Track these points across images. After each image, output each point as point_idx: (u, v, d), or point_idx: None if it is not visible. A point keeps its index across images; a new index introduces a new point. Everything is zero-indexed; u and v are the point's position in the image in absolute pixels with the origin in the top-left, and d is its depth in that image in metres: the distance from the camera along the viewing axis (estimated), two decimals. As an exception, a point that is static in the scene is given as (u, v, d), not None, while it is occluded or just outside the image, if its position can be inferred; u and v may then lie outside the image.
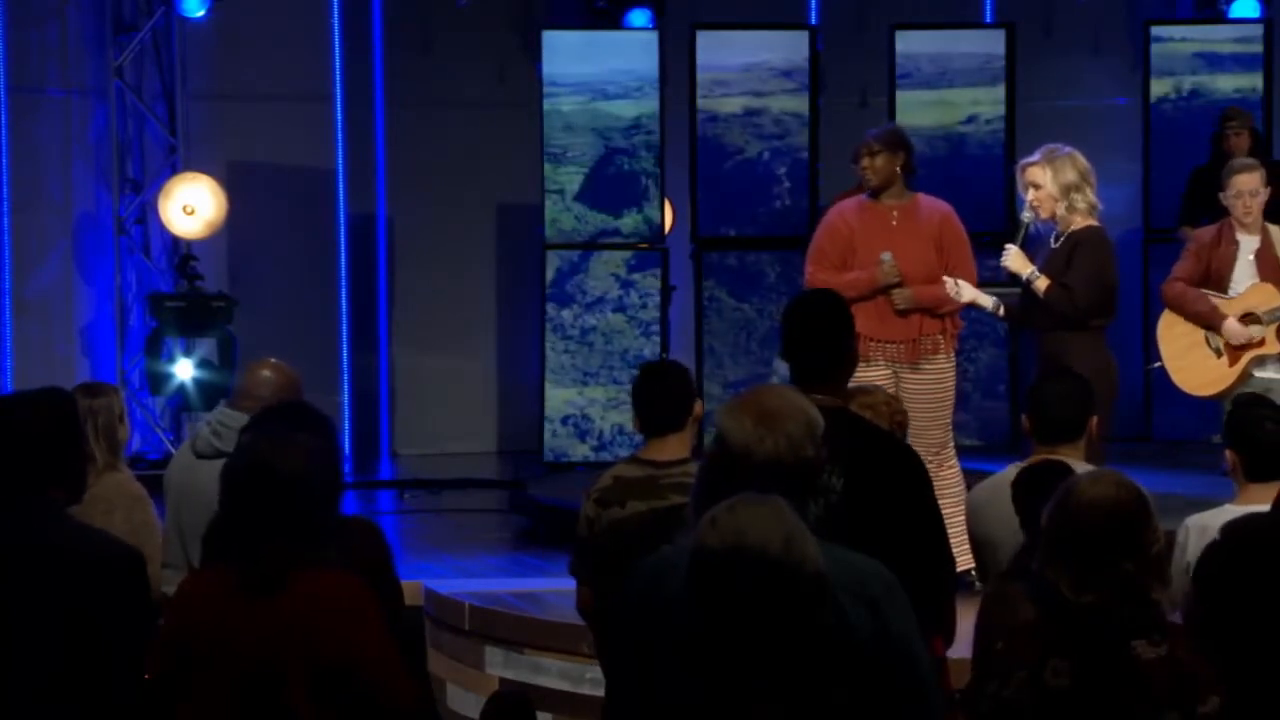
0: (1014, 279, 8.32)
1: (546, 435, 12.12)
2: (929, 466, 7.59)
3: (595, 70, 12.17)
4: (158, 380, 12.34)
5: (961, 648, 5.14)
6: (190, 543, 6.17)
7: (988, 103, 12.36)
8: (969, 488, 7.82)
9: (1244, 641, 3.47)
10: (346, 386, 13.24)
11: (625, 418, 11.88)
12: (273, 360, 6.62)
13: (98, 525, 4.93)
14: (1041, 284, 8.17)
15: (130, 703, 4.51)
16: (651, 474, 5.70)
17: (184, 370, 12.25)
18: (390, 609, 4.86)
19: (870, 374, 8.07)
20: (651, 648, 3.66)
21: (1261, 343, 8.72)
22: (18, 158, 12.48)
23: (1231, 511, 5.42)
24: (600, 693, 4.17)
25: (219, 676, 4.43)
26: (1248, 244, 8.81)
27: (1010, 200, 11.77)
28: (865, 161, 8.49)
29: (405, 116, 13.41)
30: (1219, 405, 8.37)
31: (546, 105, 12.12)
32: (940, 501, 5.16)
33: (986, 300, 8.36)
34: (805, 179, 12.27)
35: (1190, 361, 8.87)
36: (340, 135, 13.20)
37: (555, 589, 8.28)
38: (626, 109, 12.17)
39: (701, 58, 12.24)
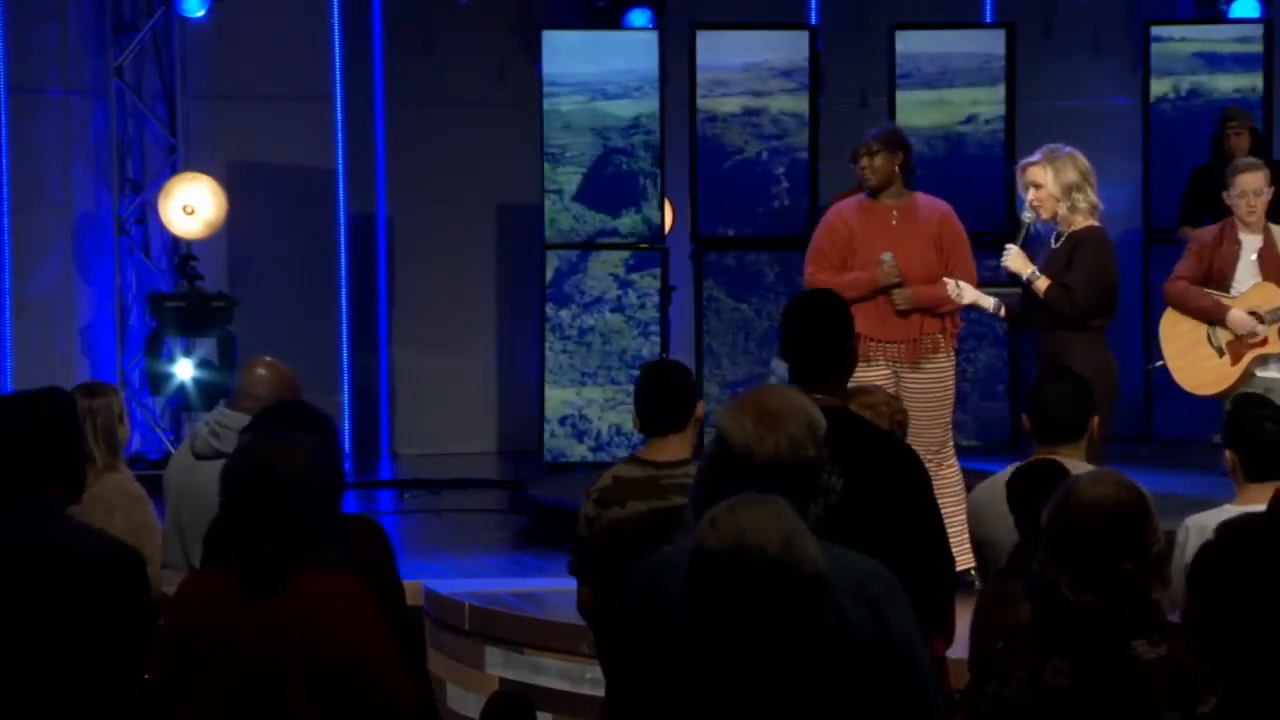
0: (1014, 279, 8.32)
1: (546, 435, 12.12)
2: (929, 466, 7.59)
3: (595, 70, 12.17)
4: (158, 380, 12.34)
5: (961, 648, 5.15)
6: (190, 543, 6.17)
7: (987, 103, 12.36)
8: (969, 487, 7.84)
9: (1238, 641, 3.47)
10: (346, 386, 13.24)
11: (623, 418, 11.89)
12: (268, 359, 6.62)
13: (97, 525, 4.92)
14: (1042, 284, 8.16)
15: (130, 703, 4.51)
16: (652, 474, 5.70)
17: (184, 370, 12.26)
18: (392, 609, 4.86)
19: (871, 374, 8.07)
20: (651, 648, 3.66)
21: (1264, 341, 8.72)
22: (18, 158, 12.48)
23: (1231, 512, 5.42)
24: (600, 693, 4.17)
25: (219, 676, 4.43)
26: (1250, 244, 8.80)
27: (1010, 200, 11.77)
28: (864, 161, 8.50)
29: (405, 116, 13.41)
30: (1220, 405, 8.36)
31: (546, 105, 12.12)
32: (940, 501, 5.16)
33: (987, 301, 8.36)
34: (804, 179, 12.27)
35: (1192, 360, 8.87)
36: (340, 135, 13.20)
37: (555, 589, 8.28)
38: (625, 109, 12.17)
39: (701, 58, 12.24)
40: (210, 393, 11.82)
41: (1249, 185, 8.80)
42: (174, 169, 12.76)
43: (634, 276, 12.18)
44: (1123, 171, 12.46)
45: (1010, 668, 3.99)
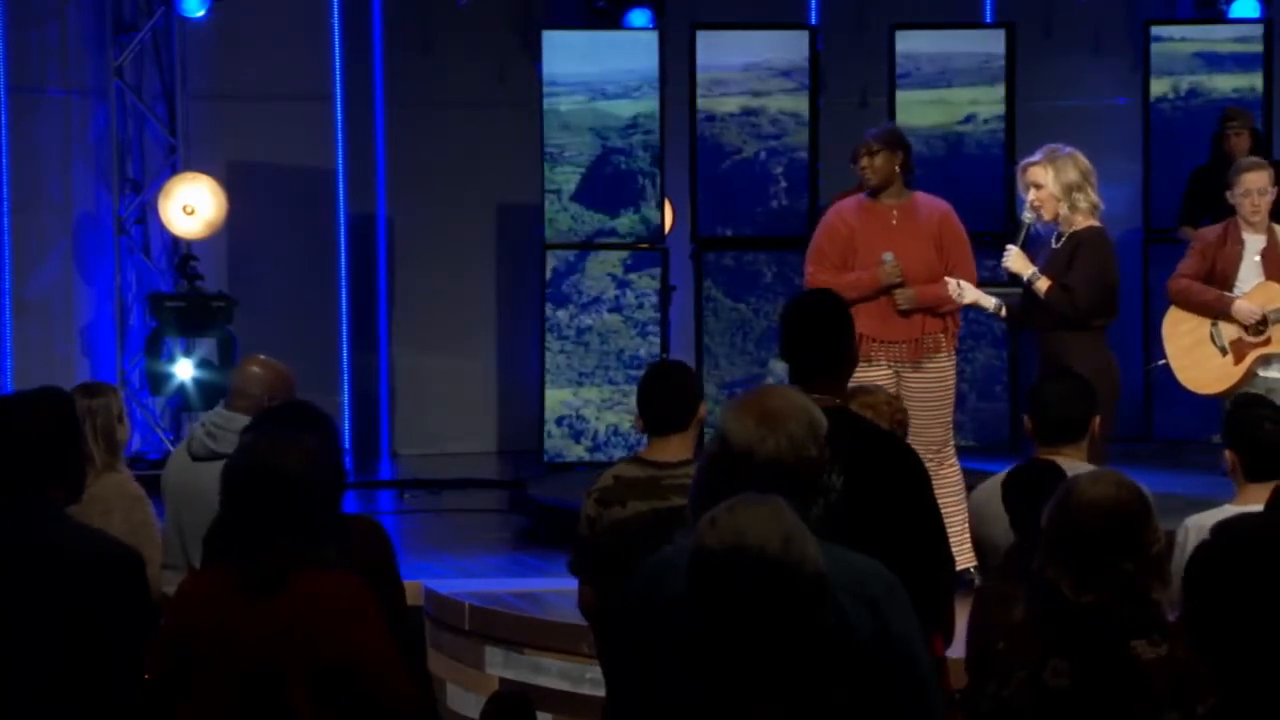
0: (1015, 279, 8.32)
1: (545, 436, 12.12)
2: (929, 465, 7.60)
3: (595, 70, 12.17)
4: (158, 380, 12.34)
5: (961, 647, 5.15)
6: (190, 544, 6.17)
7: (986, 102, 12.37)
8: (968, 487, 7.84)
9: (1233, 641, 3.46)
10: (346, 386, 13.24)
11: (620, 418, 11.89)
12: (262, 357, 6.63)
13: (96, 525, 4.93)
14: (1043, 284, 8.16)
15: (130, 703, 4.51)
16: (654, 474, 5.69)
17: (184, 370, 12.26)
18: (392, 609, 4.85)
19: (872, 374, 8.07)
20: (652, 648, 3.66)
21: (1267, 341, 8.71)
22: (18, 158, 12.48)
23: (1231, 512, 5.42)
24: (600, 693, 4.18)
25: (219, 676, 4.43)
26: (1253, 243, 8.80)
27: (1010, 200, 11.77)
28: (865, 161, 8.49)
29: (405, 116, 13.40)
30: (1219, 405, 8.36)
31: (546, 105, 12.12)
32: (940, 500, 5.17)
33: (988, 301, 8.36)
34: (802, 179, 12.26)
35: (1195, 360, 8.86)
36: (340, 135, 13.19)
37: (555, 589, 8.28)
38: (624, 108, 12.17)
39: (701, 58, 12.24)
40: (210, 393, 11.82)
41: (1253, 184, 8.79)
42: (174, 169, 12.76)
43: (632, 277, 12.18)
44: (1123, 171, 12.45)
45: (1010, 668, 3.99)
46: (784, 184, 12.29)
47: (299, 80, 13.12)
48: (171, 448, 11.73)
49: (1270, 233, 8.81)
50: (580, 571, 5.88)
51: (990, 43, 12.43)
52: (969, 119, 12.38)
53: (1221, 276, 8.80)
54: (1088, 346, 8.01)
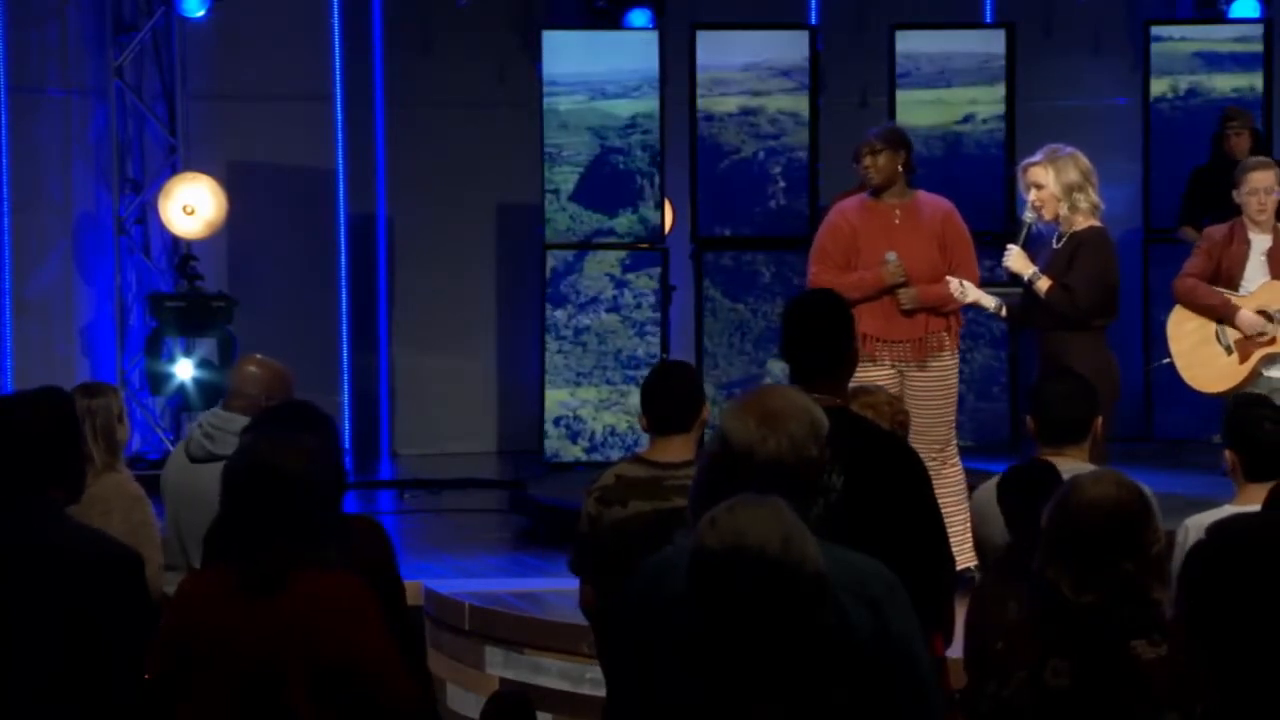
0: (1015, 279, 8.32)
1: (545, 435, 12.12)
2: (932, 464, 7.61)
3: (595, 70, 12.17)
4: (158, 380, 12.34)
5: (960, 647, 5.15)
6: (190, 544, 6.17)
7: (985, 102, 12.37)
8: (970, 487, 7.84)
9: (1228, 642, 3.46)
10: (346, 386, 13.24)
11: (618, 419, 11.89)
12: (259, 357, 6.62)
13: (96, 525, 4.92)
14: (1043, 284, 8.16)
15: (130, 703, 4.51)
16: (655, 475, 5.69)
17: (184, 370, 12.26)
18: (392, 608, 4.85)
19: (875, 373, 8.07)
20: (652, 648, 3.66)
21: (1272, 341, 8.70)
22: (18, 158, 12.48)
23: (1230, 512, 5.41)
24: (600, 693, 4.18)
25: (219, 676, 4.43)
26: (1259, 242, 8.78)
27: (1009, 200, 11.77)
28: (867, 160, 8.48)
29: (405, 116, 13.41)
30: (1220, 405, 8.35)
31: (546, 105, 12.12)
32: (943, 500, 5.17)
33: (989, 301, 8.35)
34: (801, 179, 12.27)
35: (1200, 359, 8.85)
36: (340, 135, 13.19)
37: (555, 589, 8.28)
38: (622, 108, 12.17)
39: (701, 57, 12.24)
40: (210, 393, 11.82)
41: (1260, 183, 8.77)
42: (174, 169, 12.76)
43: (630, 277, 12.17)
44: (1123, 171, 12.45)
45: (1010, 668, 3.99)
46: (782, 184, 12.29)
47: (299, 80, 13.12)
48: (171, 448, 11.72)
49: (1276, 232, 8.80)
50: (580, 570, 5.88)
51: (990, 43, 12.44)
52: (968, 119, 12.39)
53: (1227, 276, 8.78)
54: (1088, 346, 8.01)
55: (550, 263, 12.14)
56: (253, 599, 4.41)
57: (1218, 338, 8.78)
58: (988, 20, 13.39)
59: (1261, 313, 8.71)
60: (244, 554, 4.45)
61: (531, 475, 11.79)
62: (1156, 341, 9.17)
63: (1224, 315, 8.74)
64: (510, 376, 13.45)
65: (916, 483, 4.85)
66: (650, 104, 12.16)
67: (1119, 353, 8.37)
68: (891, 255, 8.38)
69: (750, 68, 12.28)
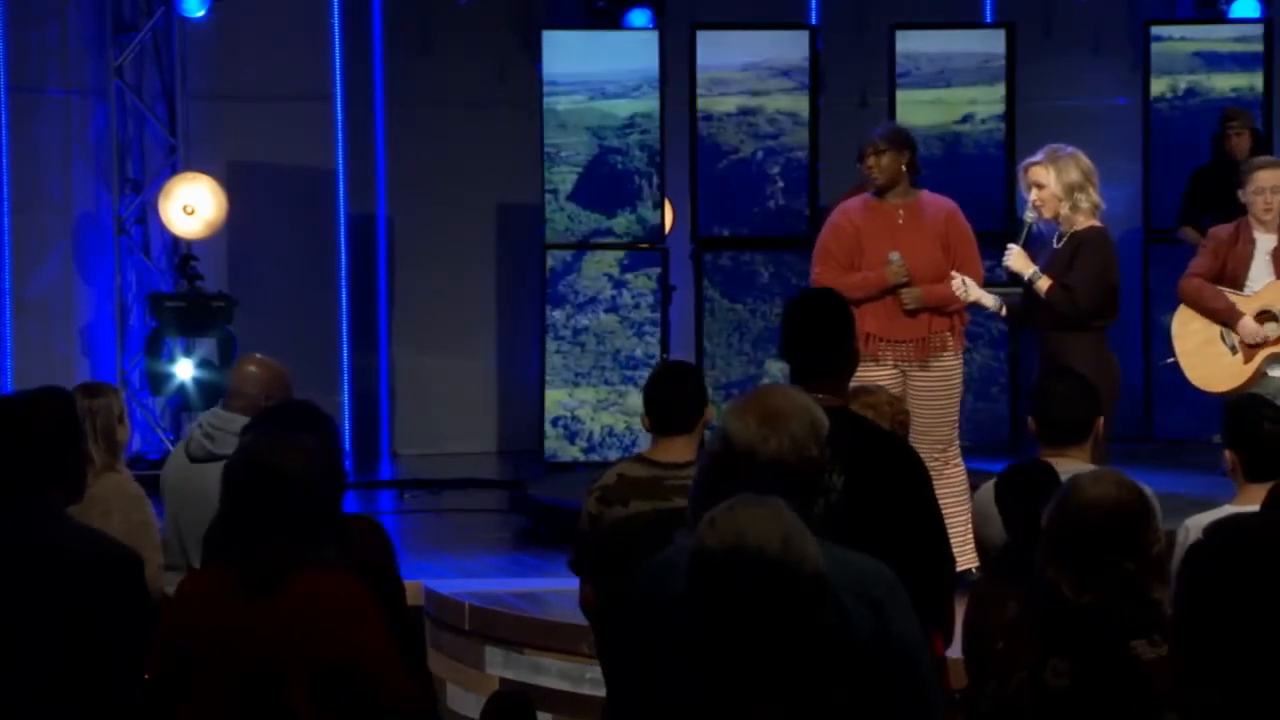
0: (1015, 279, 8.32)
1: (545, 435, 12.12)
2: (935, 464, 7.61)
3: (595, 70, 12.16)
4: (158, 380, 12.34)
5: (960, 647, 5.14)
6: (190, 544, 6.17)
7: (985, 102, 12.37)
8: (971, 487, 7.84)
9: (1225, 642, 3.46)
10: (346, 386, 13.23)
11: (616, 419, 11.89)
12: (258, 356, 6.62)
13: (96, 525, 4.92)
14: (1044, 284, 8.16)
15: (130, 703, 4.51)
16: (657, 475, 5.68)
17: (184, 370, 12.26)
18: (392, 608, 4.85)
19: (877, 373, 8.06)
20: (652, 648, 3.66)
21: (1277, 341, 8.70)
22: (18, 158, 12.47)
23: (1230, 512, 5.41)
24: (600, 693, 4.18)
25: (219, 676, 4.43)
26: (1264, 242, 8.78)
27: (1009, 200, 11.77)
28: (871, 160, 8.47)
29: (405, 116, 13.40)
30: (1220, 405, 8.35)
31: (546, 105, 12.12)
32: (945, 500, 5.17)
33: (990, 300, 8.35)
34: (800, 179, 12.26)
35: (1205, 358, 8.84)
36: (340, 135, 13.19)
37: (555, 589, 8.28)
38: (621, 108, 12.17)
39: (701, 57, 12.24)
40: (210, 393, 11.81)
41: (1266, 182, 8.76)
42: (174, 169, 12.76)
43: (628, 277, 12.17)
44: (1123, 171, 12.45)
45: (1010, 667, 3.99)
46: (781, 184, 12.29)
47: (299, 80, 13.12)
48: (171, 448, 11.72)
49: (1281, 232, 8.80)
50: (580, 570, 5.87)
51: (990, 42, 12.44)
52: (968, 119, 12.39)
53: (1232, 275, 8.78)
54: (1088, 346, 8.01)
55: (549, 263, 12.14)
56: (252, 599, 4.41)
57: (1222, 337, 8.78)
58: (988, 20, 13.39)
59: (1266, 312, 8.71)
60: (244, 554, 4.45)
61: (531, 475, 11.79)
62: (1157, 341, 9.17)
63: (1227, 321, 8.73)
64: (510, 376, 13.45)
65: (917, 483, 4.85)
66: (650, 104, 12.16)
67: (1119, 353, 8.37)
68: (895, 255, 8.38)
69: (750, 68, 12.28)
